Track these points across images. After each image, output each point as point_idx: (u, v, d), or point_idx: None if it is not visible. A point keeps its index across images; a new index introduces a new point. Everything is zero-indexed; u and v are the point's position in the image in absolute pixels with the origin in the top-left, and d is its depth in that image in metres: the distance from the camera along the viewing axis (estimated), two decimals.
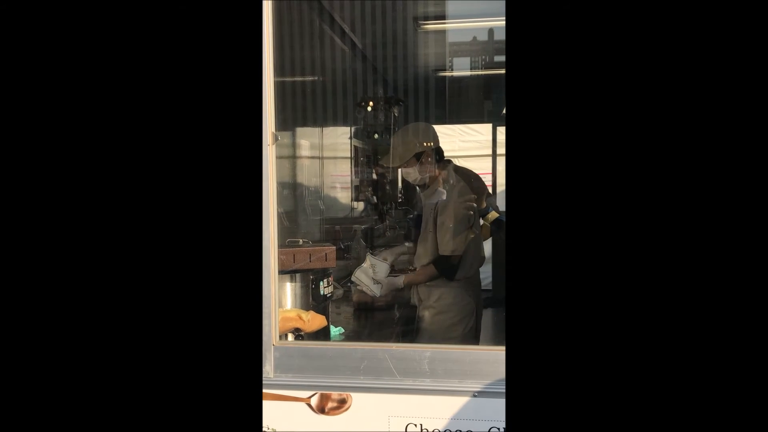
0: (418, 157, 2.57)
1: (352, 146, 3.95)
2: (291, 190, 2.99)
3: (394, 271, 2.69)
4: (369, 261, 2.58)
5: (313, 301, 2.07)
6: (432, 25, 3.83)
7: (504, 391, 1.38)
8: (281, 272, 1.99)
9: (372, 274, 2.55)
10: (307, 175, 3.30)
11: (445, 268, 2.54)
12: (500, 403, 1.59)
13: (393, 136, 2.81)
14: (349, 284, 2.80)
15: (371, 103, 4.32)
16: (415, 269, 2.70)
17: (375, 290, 2.53)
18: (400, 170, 2.69)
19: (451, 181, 2.57)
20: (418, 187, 2.78)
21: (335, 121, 3.86)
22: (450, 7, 3.67)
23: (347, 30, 3.51)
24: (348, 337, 2.44)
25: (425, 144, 2.59)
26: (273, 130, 1.71)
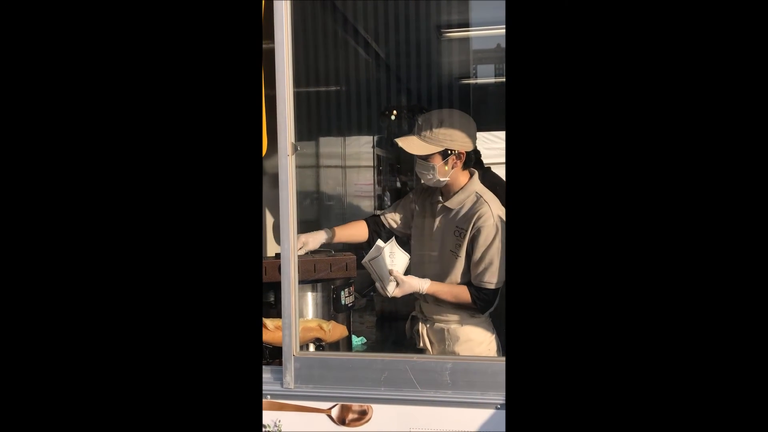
0: (444, 155, 2.07)
1: (375, 155, 3.95)
2: (313, 199, 2.98)
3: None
4: (391, 247, 2.05)
5: (334, 310, 2.06)
6: (455, 33, 3.80)
7: None
8: (302, 282, 1.98)
9: (389, 264, 2.01)
10: (330, 184, 3.29)
11: (484, 301, 2.08)
12: None
13: (425, 113, 2.18)
14: (372, 294, 2.77)
15: (395, 112, 4.31)
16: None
17: (389, 288, 2.02)
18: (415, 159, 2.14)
19: (479, 195, 2.08)
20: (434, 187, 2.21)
21: (359, 130, 3.86)
22: (473, 15, 3.64)
23: (370, 40, 3.52)
24: (371, 347, 2.42)
25: (460, 143, 2.07)
26: (293, 140, 1.71)
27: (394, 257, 2.05)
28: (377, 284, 2.06)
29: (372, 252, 2.02)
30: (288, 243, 1.70)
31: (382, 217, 2.37)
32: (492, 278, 2.05)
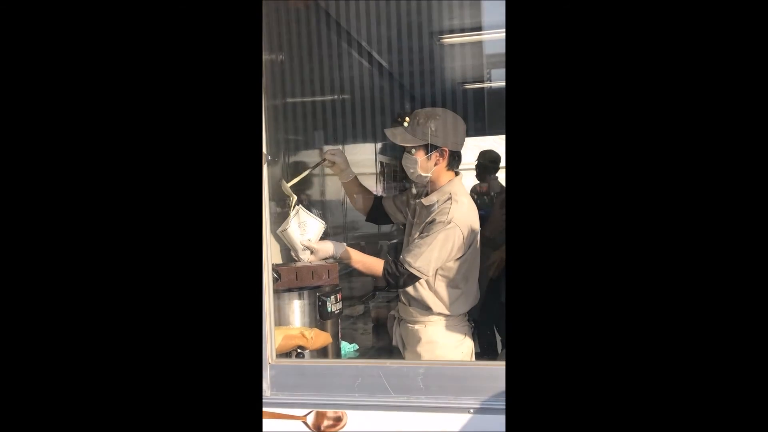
0: (428, 150, 2.09)
1: (378, 162, 3.96)
2: (312, 204, 3.00)
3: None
4: (300, 216, 2.07)
5: (320, 318, 2.07)
6: (468, 38, 3.80)
7: (502, 407, 1.36)
8: (286, 290, 2.01)
9: (300, 234, 2.06)
10: (330, 193, 3.32)
11: (393, 276, 2.06)
12: (497, 420, 1.55)
13: (418, 110, 2.23)
14: (369, 301, 2.78)
15: (407, 119, 4.31)
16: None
17: (303, 256, 2.07)
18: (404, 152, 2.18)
19: (451, 196, 2.07)
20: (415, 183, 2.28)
21: (364, 138, 3.88)
22: (486, 18, 3.64)
23: (375, 54, 3.55)
24: (365, 354, 2.42)
25: (443, 140, 2.09)
26: (264, 150, 1.74)
27: (305, 226, 2.09)
28: (292, 253, 2.11)
29: (287, 224, 2.08)
30: (263, 251, 1.71)
31: (383, 200, 2.42)
32: (413, 260, 2.03)
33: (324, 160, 2.31)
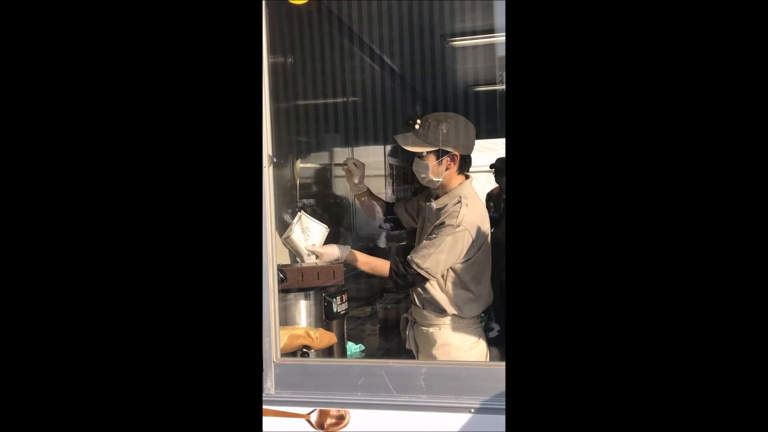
0: (438, 155, 2.08)
1: (387, 164, 3.98)
2: (321, 210, 3.02)
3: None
4: (303, 222, 2.07)
5: (325, 318, 2.09)
6: (482, 40, 3.80)
7: (502, 407, 1.36)
8: (294, 290, 2.03)
9: (304, 240, 2.08)
10: (340, 192, 3.34)
11: (400, 276, 2.07)
12: (498, 419, 1.55)
13: (428, 114, 2.24)
14: (377, 303, 2.79)
15: (418, 121, 4.32)
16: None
17: (308, 261, 2.09)
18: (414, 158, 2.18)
19: (461, 199, 2.07)
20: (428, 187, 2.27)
21: (375, 140, 3.89)
22: (497, 20, 3.64)
23: (386, 57, 3.57)
24: (372, 355, 2.43)
25: (454, 145, 2.09)
26: (270, 152, 1.75)
27: (309, 231, 2.10)
28: (297, 258, 2.12)
29: (290, 230, 2.09)
30: (267, 252, 1.73)
31: (395, 206, 2.44)
32: (421, 261, 2.04)
33: (344, 164, 2.31)
